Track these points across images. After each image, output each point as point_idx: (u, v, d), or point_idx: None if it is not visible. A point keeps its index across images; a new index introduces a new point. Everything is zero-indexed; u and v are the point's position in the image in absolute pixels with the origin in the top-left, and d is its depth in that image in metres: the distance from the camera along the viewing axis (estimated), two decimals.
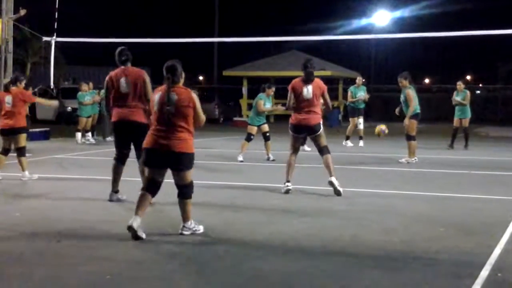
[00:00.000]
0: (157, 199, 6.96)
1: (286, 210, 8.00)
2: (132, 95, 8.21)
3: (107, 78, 8.36)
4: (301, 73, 9.29)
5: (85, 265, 5.39)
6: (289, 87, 9.37)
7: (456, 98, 17.06)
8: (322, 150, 9.31)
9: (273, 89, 14.09)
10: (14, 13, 15.94)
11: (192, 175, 6.55)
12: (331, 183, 9.08)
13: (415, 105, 13.31)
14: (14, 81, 10.85)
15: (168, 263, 5.50)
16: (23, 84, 10.80)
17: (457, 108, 17.13)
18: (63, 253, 5.80)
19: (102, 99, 19.28)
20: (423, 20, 43.09)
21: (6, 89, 11.03)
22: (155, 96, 6.55)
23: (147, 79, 8.25)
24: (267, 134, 13.72)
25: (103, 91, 19.41)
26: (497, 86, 38.21)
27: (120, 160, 8.46)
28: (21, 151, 10.55)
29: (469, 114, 17.10)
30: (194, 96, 6.50)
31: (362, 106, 18.27)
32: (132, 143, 8.34)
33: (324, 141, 9.31)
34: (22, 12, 15.43)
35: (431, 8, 43.80)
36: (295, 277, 5.13)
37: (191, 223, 6.57)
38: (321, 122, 9.35)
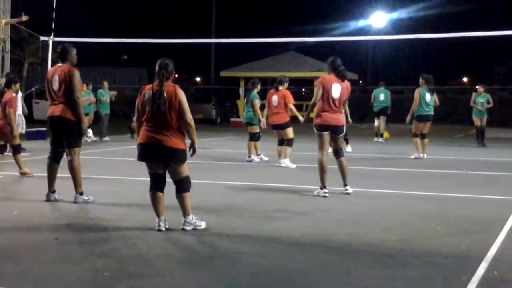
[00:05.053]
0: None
1: (283, 209, 8.00)
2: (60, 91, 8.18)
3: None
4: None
5: (82, 262, 5.38)
6: (318, 83, 8.97)
7: (479, 100, 18.20)
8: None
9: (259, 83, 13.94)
10: (11, 14, 15.97)
11: (187, 169, 6.57)
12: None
13: (414, 106, 14.24)
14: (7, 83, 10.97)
15: (166, 260, 5.50)
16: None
17: (475, 109, 18.34)
18: (60, 250, 5.80)
19: (98, 99, 19.35)
20: (420, 22, 43.14)
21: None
22: (145, 94, 6.51)
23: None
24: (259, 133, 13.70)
25: (100, 91, 19.58)
26: (494, 87, 38.20)
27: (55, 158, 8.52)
28: None
29: (486, 115, 18.42)
30: (181, 92, 6.46)
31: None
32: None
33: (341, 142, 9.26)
34: (24, 18, 15.48)
35: (428, 9, 43.86)
36: (292, 274, 5.14)
37: (192, 218, 6.56)
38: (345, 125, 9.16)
